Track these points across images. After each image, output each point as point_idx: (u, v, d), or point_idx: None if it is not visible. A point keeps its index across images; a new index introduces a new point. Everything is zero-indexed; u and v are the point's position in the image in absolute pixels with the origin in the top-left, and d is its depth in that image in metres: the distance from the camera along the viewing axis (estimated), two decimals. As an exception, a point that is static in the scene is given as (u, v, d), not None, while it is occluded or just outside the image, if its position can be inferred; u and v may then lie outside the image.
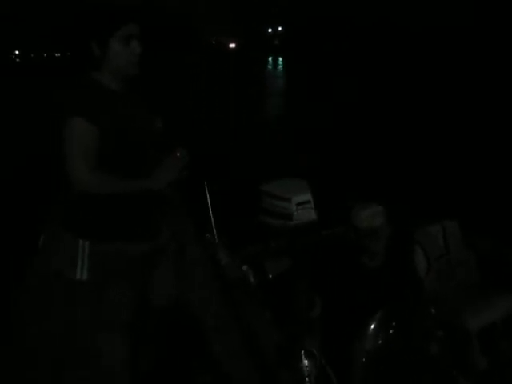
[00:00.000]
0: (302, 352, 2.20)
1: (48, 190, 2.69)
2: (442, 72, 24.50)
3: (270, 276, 3.32)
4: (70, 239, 2.28)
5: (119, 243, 2.29)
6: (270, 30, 74.15)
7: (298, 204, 3.78)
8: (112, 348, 2.36)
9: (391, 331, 2.47)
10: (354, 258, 2.86)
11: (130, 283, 2.35)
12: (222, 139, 10.52)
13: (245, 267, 3.08)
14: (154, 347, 2.63)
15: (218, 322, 2.69)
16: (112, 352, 2.37)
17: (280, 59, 49.38)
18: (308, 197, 3.85)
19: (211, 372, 2.60)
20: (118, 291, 2.31)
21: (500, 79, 18.91)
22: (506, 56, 25.72)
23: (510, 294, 3.37)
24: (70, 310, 2.35)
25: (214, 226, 3.19)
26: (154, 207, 2.37)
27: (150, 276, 2.49)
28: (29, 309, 2.53)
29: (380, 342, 2.46)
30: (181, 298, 2.67)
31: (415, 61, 30.91)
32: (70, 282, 2.28)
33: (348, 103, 16.09)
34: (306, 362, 2.16)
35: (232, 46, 77.55)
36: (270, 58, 51.29)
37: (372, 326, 2.44)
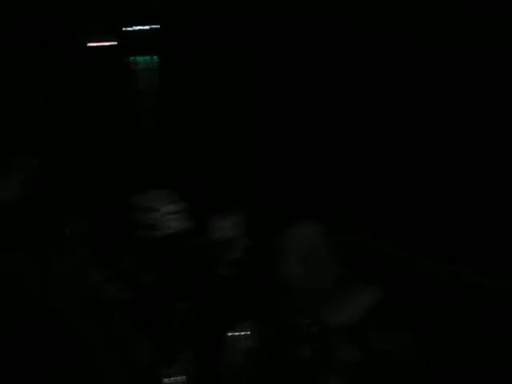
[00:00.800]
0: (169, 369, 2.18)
1: None
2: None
3: (141, 289, 3.26)
4: None
5: None
6: (141, 28, 72.96)
7: (167, 214, 3.73)
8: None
9: (259, 337, 2.51)
10: (211, 268, 2.88)
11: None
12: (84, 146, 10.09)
13: (118, 283, 3.02)
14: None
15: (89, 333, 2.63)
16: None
17: (152, 58, 48.54)
18: (177, 206, 3.81)
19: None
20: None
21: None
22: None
23: (374, 286, 3.54)
24: None
25: (84, 240, 3.10)
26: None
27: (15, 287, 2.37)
28: None
29: (248, 348, 2.50)
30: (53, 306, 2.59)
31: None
32: None
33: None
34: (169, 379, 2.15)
35: (100, 44, 75.52)
36: (139, 58, 50.23)
37: (238, 336, 2.47)
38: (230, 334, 2.59)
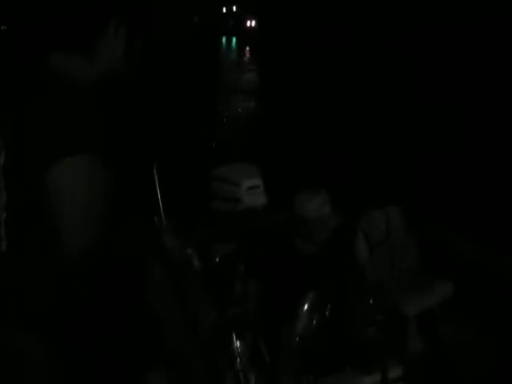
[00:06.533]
0: (234, 334, 2.23)
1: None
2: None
3: (217, 259, 3.34)
4: None
5: None
6: (224, 10, 72.87)
7: (248, 188, 3.77)
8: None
9: (326, 313, 2.54)
10: (294, 244, 2.92)
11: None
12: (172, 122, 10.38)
13: (190, 250, 3.09)
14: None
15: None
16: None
17: (234, 39, 48.73)
18: (258, 181, 3.84)
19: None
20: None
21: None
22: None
23: (447, 279, 3.51)
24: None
25: (162, 209, 3.17)
26: None
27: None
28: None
29: (314, 323, 2.53)
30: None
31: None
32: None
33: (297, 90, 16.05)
34: (237, 343, 2.20)
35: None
36: (223, 39, 50.56)
37: (304, 307, 2.51)
38: (293, 307, 2.62)
